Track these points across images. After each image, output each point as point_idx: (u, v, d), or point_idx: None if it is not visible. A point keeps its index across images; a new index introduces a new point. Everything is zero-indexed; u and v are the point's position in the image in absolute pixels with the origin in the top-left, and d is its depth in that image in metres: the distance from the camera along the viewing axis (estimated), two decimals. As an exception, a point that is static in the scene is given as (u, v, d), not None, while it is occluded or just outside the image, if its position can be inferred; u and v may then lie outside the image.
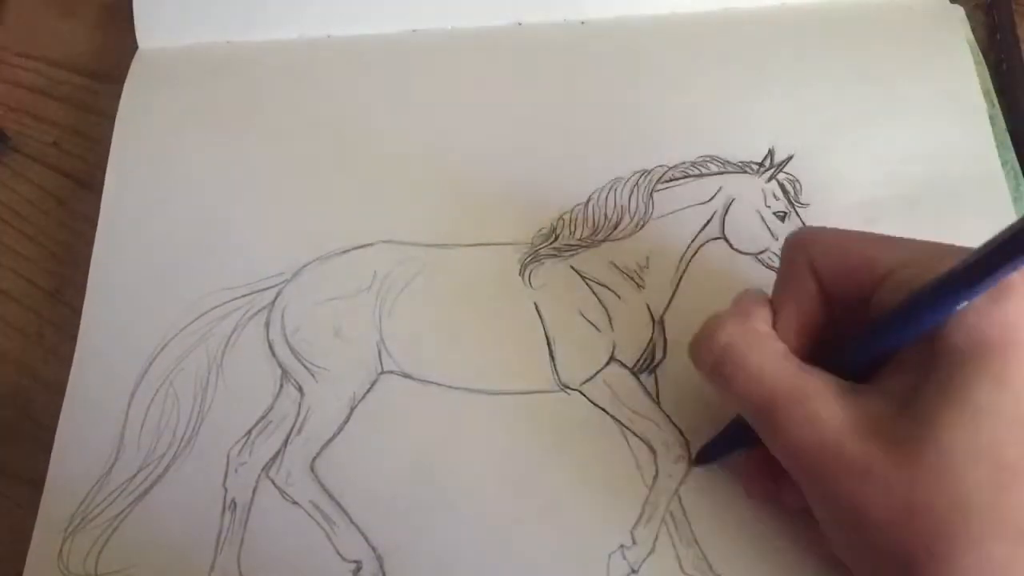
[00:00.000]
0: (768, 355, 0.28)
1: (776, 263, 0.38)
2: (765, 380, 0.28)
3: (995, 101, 0.42)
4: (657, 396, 0.36)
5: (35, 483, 0.36)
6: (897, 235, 0.29)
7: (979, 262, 0.24)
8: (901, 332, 0.26)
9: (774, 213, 0.39)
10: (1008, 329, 0.24)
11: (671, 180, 0.40)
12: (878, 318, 0.27)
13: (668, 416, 0.35)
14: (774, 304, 0.31)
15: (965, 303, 0.24)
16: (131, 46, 0.46)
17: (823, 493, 0.27)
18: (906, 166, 0.40)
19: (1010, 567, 0.24)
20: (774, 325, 0.30)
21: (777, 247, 0.38)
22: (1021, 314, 0.25)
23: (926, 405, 0.25)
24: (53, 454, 0.36)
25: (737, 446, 0.33)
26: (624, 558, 0.33)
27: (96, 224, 0.41)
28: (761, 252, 0.38)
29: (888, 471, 0.25)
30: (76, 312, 0.39)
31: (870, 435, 0.26)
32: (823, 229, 0.31)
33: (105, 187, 0.42)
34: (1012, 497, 0.24)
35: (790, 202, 0.39)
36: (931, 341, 0.25)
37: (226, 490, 0.35)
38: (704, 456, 0.34)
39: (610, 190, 0.39)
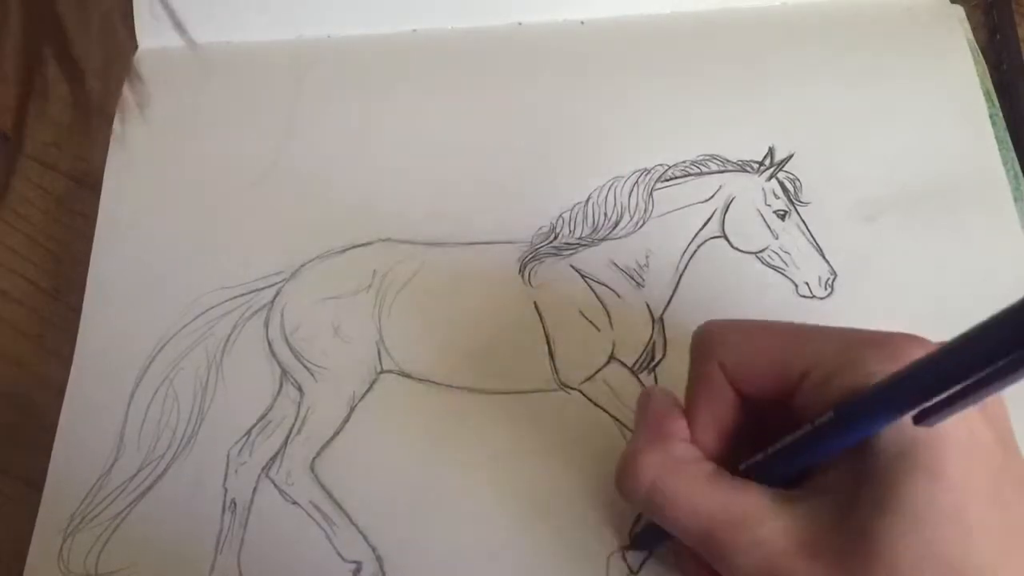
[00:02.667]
0: (697, 482, 0.27)
1: (776, 262, 0.38)
2: (699, 510, 0.26)
3: (995, 101, 0.42)
4: (657, 395, 0.36)
5: (35, 483, 0.36)
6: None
7: (913, 382, 0.22)
8: (828, 447, 0.25)
9: (774, 212, 0.39)
10: (939, 427, 0.23)
11: (671, 179, 0.40)
12: (801, 433, 0.26)
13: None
14: (688, 409, 0.29)
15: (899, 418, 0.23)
16: (131, 46, 0.46)
17: None
18: (906, 165, 0.40)
19: None
20: (691, 434, 0.29)
21: (777, 246, 0.38)
22: None
23: (864, 513, 0.24)
24: (53, 454, 0.36)
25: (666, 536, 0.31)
26: (623, 559, 0.33)
27: (96, 224, 0.41)
28: (761, 251, 0.38)
29: None
30: (76, 312, 0.39)
31: (815, 554, 0.25)
32: (728, 326, 0.29)
33: (104, 187, 0.42)
34: None
35: (790, 201, 0.39)
36: (854, 454, 0.25)
37: (226, 490, 0.35)
38: (640, 543, 0.33)
39: (610, 189, 0.39)
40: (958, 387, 0.21)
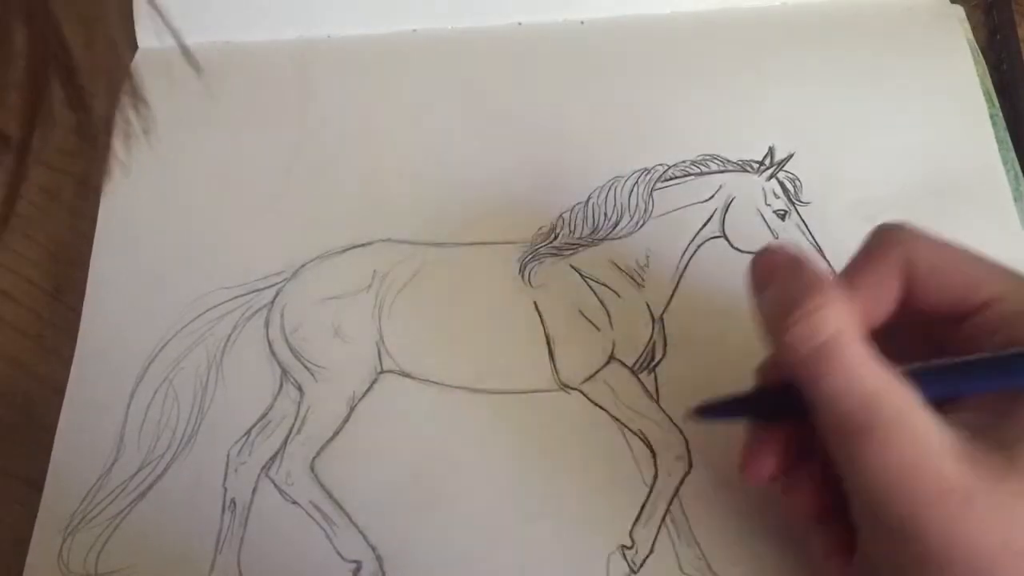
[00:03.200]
0: (870, 355, 0.25)
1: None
2: (867, 382, 0.25)
3: (995, 101, 0.42)
4: (657, 395, 0.36)
5: (35, 483, 0.36)
6: None
7: None
8: (1005, 380, 0.25)
9: (774, 212, 0.39)
10: None
11: (671, 179, 0.40)
12: (979, 358, 0.25)
13: (668, 415, 0.35)
14: (847, 285, 0.28)
15: None
16: (131, 46, 0.46)
17: (903, 518, 0.25)
18: (906, 165, 0.40)
19: None
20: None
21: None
22: None
23: (1015, 434, 0.24)
24: (53, 454, 0.36)
25: (754, 415, 0.31)
26: (624, 558, 0.33)
27: (96, 224, 0.41)
28: (761, 251, 0.38)
29: (989, 505, 0.24)
30: (76, 312, 0.39)
31: (969, 463, 0.24)
32: (925, 232, 0.28)
33: (105, 187, 0.42)
34: None
35: (790, 200, 0.39)
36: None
37: (226, 490, 0.35)
38: (708, 411, 0.31)
39: (610, 189, 0.40)
40: None
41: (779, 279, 0.28)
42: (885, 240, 0.29)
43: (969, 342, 0.26)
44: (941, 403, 0.26)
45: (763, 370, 0.31)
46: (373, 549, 0.34)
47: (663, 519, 0.34)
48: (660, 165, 0.40)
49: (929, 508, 0.24)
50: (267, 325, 0.38)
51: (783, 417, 0.29)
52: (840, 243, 0.38)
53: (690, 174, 0.40)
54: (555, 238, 0.39)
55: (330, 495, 0.35)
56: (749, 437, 0.31)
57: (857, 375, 0.25)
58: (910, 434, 0.24)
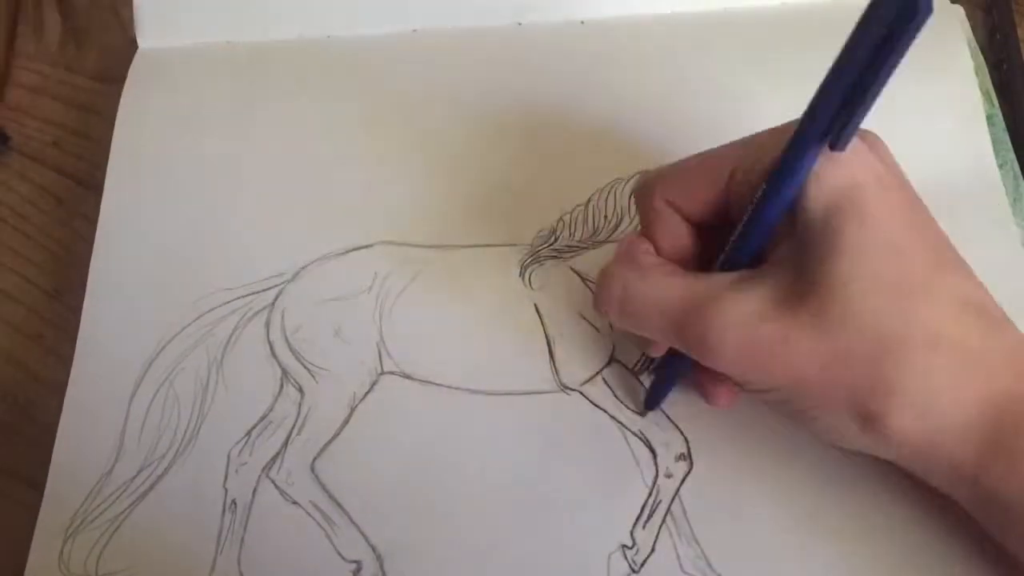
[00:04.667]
0: (663, 279, 0.30)
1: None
2: (668, 302, 0.29)
3: (995, 101, 0.42)
4: (657, 396, 0.36)
5: (35, 483, 0.36)
6: None
7: (821, 108, 0.26)
8: (772, 213, 0.28)
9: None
10: (853, 176, 0.27)
11: (671, 180, 0.40)
12: (750, 210, 0.28)
13: (668, 416, 0.35)
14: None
15: (814, 158, 0.27)
16: (131, 46, 0.46)
17: (757, 378, 0.28)
18: (905, 165, 0.40)
19: (931, 375, 0.26)
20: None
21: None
22: (856, 160, 0.28)
23: (813, 268, 0.27)
24: (54, 454, 0.36)
25: (675, 377, 0.34)
26: (624, 558, 0.33)
27: (96, 224, 0.41)
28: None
29: (804, 333, 0.27)
30: (76, 312, 0.39)
31: (778, 312, 0.27)
32: (663, 167, 0.32)
33: (105, 187, 0.42)
34: (911, 311, 0.26)
35: (790, 202, 0.39)
36: (794, 225, 0.28)
37: (226, 490, 0.35)
38: (651, 403, 0.35)
39: (610, 191, 0.39)
40: (858, 96, 0.25)
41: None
42: (641, 194, 0.32)
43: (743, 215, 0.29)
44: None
45: None
46: (373, 549, 0.34)
47: (664, 519, 0.34)
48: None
49: (764, 364, 0.28)
50: (268, 326, 0.38)
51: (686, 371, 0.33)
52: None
53: (690, 176, 0.40)
54: (555, 240, 0.39)
55: (330, 495, 0.35)
56: (696, 379, 0.34)
57: (659, 305, 0.29)
58: (720, 316, 0.28)
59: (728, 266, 0.29)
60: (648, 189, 0.31)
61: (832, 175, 0.27)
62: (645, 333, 0.31)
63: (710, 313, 0.28)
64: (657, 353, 0.34)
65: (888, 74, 0.25)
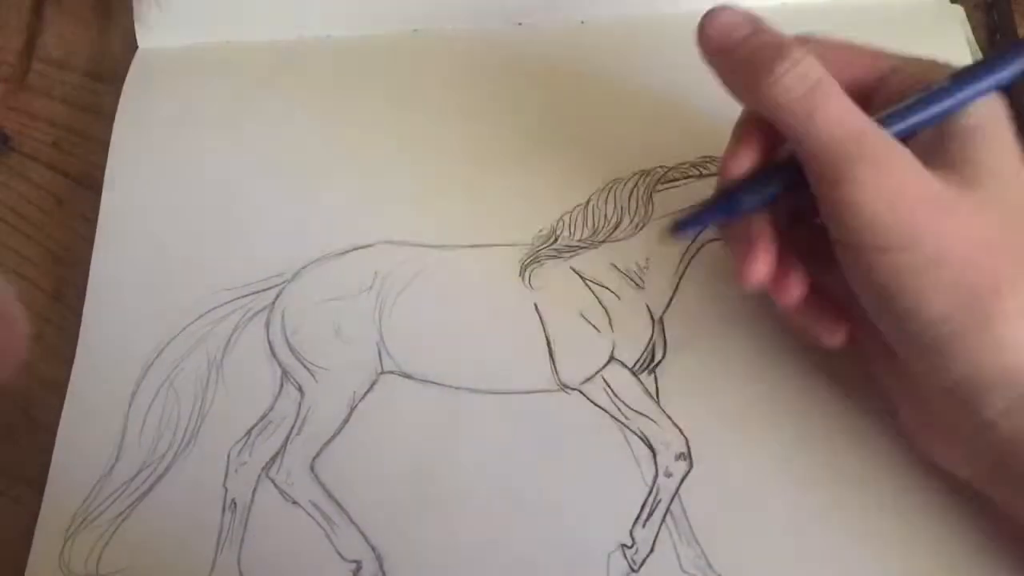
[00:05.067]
0: (852, 103, 0.29)
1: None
2: (852, 119, 0.28)
3: (995, 101, 0.41)
4: (657, 395, 0.36)
5: (35, 483, 0.36)
6: None
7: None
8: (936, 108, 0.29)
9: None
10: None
11: (671, 181, 0.40)
12: (935, 88, 0.29)
13: (668, 416, 0.35)
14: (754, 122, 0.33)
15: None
16: (131, 46, 0.46)
17: (898, 231, 0.28)
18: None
19: None
20: None
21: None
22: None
23: (971, 163, 0.28)
24: (54, 454, 0.36)
25: (726, 213, 0.32)
26: (624, 557, 0.33)
27: (96, 224, 0.41)
28: (761, 252, 0.38)
29: (970, 208, 0.28)
30: (76, 312, 0.39)
31: (943, 180, 0.28)
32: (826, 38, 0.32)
33: (105, 187, 0.42)
34: None
35: (790, 202, 0.39)
36: (939, 132, 0.29)
37: (226, 490, 0.35)
38: (683, 225, 0.33)
39: (610, 191, 0.40)
40: None
41: (745, 38, 0.31)
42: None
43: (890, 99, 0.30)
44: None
45: (737, 138, 0.34)
46: (373, 549, 0.34)
47: (663, 518, 0.34)
48: (660, 167, 0.40)
49: (923, 216, 0.28)
50: (268, 326, 0.38)
51: (758, 204, 0.31)
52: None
53: (690, 176, 0.40)
54: (555, 240, 0.39)
55: (330, 495, 0.35)
56: (736, 248, 0.32)
57: (846, 112, 0.28)
58: (898, 160, 0.28)
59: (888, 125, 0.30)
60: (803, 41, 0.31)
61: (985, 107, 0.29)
62: (809, 128, 0.29)
63: (886, 145, 0.28)
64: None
65: None
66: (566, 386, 0.36)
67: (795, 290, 0.32)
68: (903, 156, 0.28)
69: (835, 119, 0.28)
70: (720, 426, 0.35)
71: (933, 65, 0.31)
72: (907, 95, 0.30)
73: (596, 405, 0.36)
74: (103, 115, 0.44)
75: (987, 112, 0.29)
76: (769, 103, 0.29)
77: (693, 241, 0.38)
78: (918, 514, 0.33)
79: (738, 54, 0.31)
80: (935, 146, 0.29)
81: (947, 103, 0.29)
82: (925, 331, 0.28)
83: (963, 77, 0.29)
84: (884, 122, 0.29)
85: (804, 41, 0.31)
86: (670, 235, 0.33)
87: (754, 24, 0.31)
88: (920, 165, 0.28)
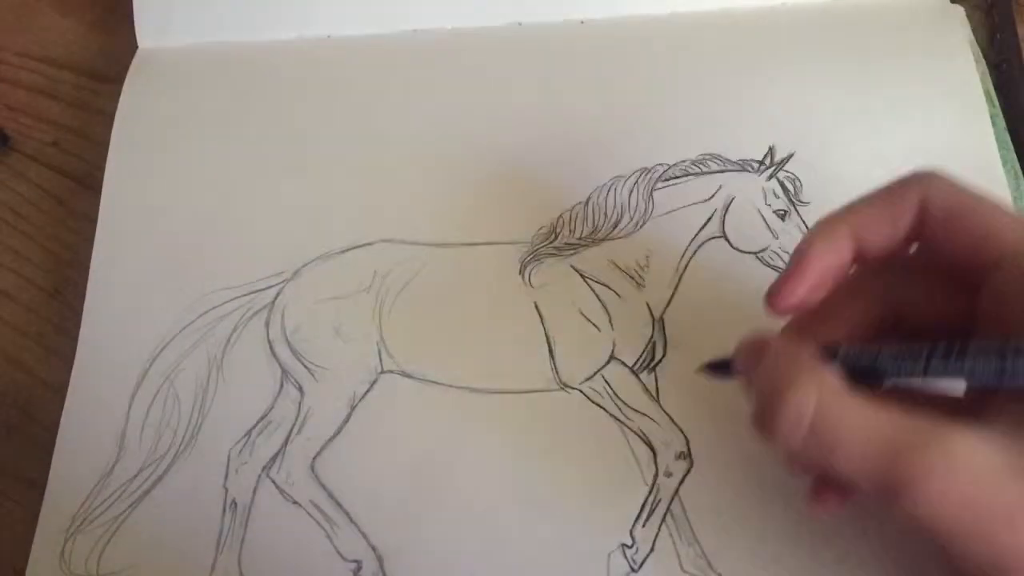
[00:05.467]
0: (866, 407, 0.24)
1: (777, 262, 0.38)
2: (878, 435, 0.23)
3: (995, 101, 0.42)
4: (657, 395, 0.36)
5: (36, 483, 0.36)
6: None
7: None
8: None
9: (774, 211, 0.39)
10: None
11: (671, 178, 0.40)
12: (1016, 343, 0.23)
13: (668, 415, 0.35)
14: (853, 212, 0.27)
15: None
16: (131, 46, 0.46)
17: (977, 549, 0.23)
18: (906, 165, 0.39)
19: None
20: (865, 236, 0.27)
21: (777, 246, 0.38)
22: None
23: None
24: (54, 454, 0.36)
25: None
26: (624, 557, 0.33)
27: (96, 224, 0.41)
28: (761, 251, 0.38)
29: None
30: (76, 312, 0.39)
31: (1019, 475, 0.22)
32: (951, 177, 0.27)
33: (104, 187, 0.42)
34: None
35: (790, 200, 0.39)
36: None
37: (227, 490, 0.35)
38: (718, 366, 0.32)
39: (610, 189, 0.40)
40: None
41: (756, 377, 0.27)
42: (909, 179, 0.28)
43: (996, 300, 0.24)
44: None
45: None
46: (373, 549, 0.34)
47: (664, 518, 0.34)
48: (660, 165, 0.40)
49: (991, 534, 0.23)
50: (267, 325, 0.38)
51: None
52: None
53: (690, 174, 0.40)
54: (555, 238, 0.39)
55: (330, 495, 0.35)
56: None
57: (864, 433, 0.24)
58: (955, 469, 0.23)
59: (927, 366, 0.25)
60: (916, 181, 0.27)
61: None
62: (834, 464, 0.24)
63: (935, 453, 0.22)
64: (800, 472, 0.30)
65: None
66: (566, 385, 0.36)
67: (833, 505, 0.29)
68: (962, 464, 0.22)
69: (856, 453, 0.24)
70: (720, 426, 0.35)
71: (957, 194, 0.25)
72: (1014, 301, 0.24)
73: (596, 404, 0.36)
74: (103, 115, 0.44)
75: None
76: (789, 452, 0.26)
77: (694, 239, 0.38)
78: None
79: (754, 397, 0.27)
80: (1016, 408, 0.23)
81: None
82: None
83: None
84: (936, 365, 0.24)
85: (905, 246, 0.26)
86: (706, 371, 0.32)
87: (761, 352, 0.27)
88: (991, 465, 0.22)
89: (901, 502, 0.23)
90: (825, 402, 0.24)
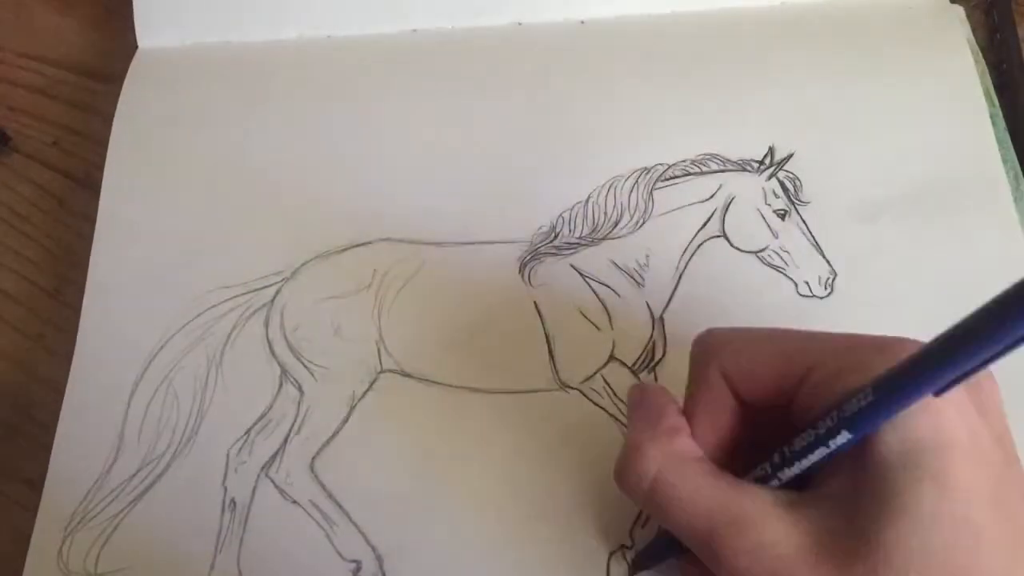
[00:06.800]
0: (701, 479, 0.27)
1: (776, 261, 0.38)
2: (702, 508, 0.26)
3: (995, 101, 0.42)
4: (657, 395, 0.36)
5: (35, 482, 0.36)
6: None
7: (929, 362, 0.22)
8: (841, 443, 0.24)
9: (774, 211, 0.39)
10: (941, 428, 0.23)
11: (671, 178, 0.40)
12: (808, 428, 0.25)
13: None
14: (688, 414, 0.29)
15: (910, 405, 0.23)
16: (131, 46, 0.46)
17: None
18: (906, 165, 0.40)
19: None
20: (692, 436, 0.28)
21: (777, 245, 0.38)
22: (950, 409, 0.24)
23: (870, 519, 0.24)
24: (53, 453, 0.36)
25: (673, 554, 0.31)
26: (624, 559, 0.33)
27: (96, 224, 0.41)
28: (761, 250, 0.38)
29: None
30: (76, 312, 0.39)
31: (820, 558, 0.24)
32: (729, 332, 0.29)
33: (104, 187, 0.42)
34: None
35: (790, 200, 0.39)
36: (862, 445, 0.24)
37: (226, 489, 0.35)
38: (640, 564, 0.33)
39: (610, 188, 0.40)
40: (979, 360, 0.21)
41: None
42: (699, 354, 0.29)
43: (803, 422, 0.26)
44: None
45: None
46: (373, 549, 0.34)
47: (663, 519, 0.34)
48: (660, 164, 0.40)
49: None
50: (267, 325, 0.38)
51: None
52: (840, 243, 0.38)
53: (690, 173, 0.40)
54: (555, 237, 0.39)
55: (330, 495, 0.35)
56: (682, 568, 0.31)
57: (690, 507, 0.26)
58: (754, 548, 0.25)
59: (767, 480, 0.27)
60: (708, 354, 0.29)
61: (919, 423, 0.23)
62: (665, 525, 0.28)
63: (746, 536, 0.25)
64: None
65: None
66: (566, 385, 0.36)
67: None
68: (765, 544, 0.25)
69: (681, 521, 0.26)
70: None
71: (864, 356, 0.25)
72: (824, 404, 0.25)
73: (596, 404, 0.36)
74: (103, 115, 0.44)
75: (920, 429, 0.23)
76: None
77: (693, 238, 0.38)
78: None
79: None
80: (852, 487, 0.25)
81: (845, 444, 0.24)
82: None
83: (892, 387, 0.23)
84: (760, 475, 0.27)
85: (708, 360, 0.28)
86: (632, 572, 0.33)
87: (640, 394, 0.30)
88: (789, 546, 0.24)
89: (714, 569, 0.26)
90: (666, 468, 0.27)
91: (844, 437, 0.24)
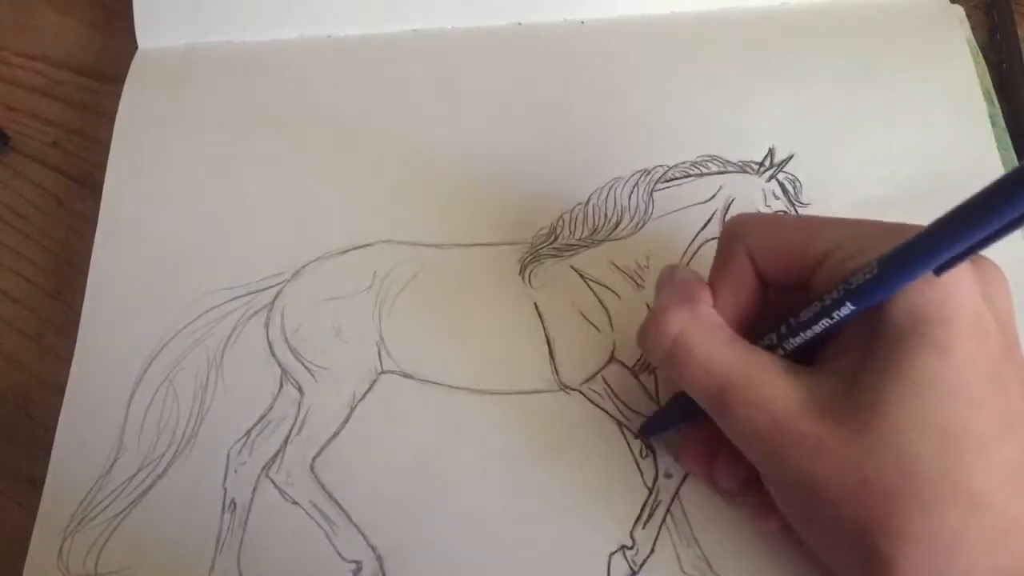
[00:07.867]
0: (718, 342, 0.29)
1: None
2: (716, 366, 0.28)
3: (995, 101, 0.42)
4: (657, 396, 0.36)
5: (35, 483, 0.36)
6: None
7: (930, 239, 0.24)
8: (847, 313, 0.26)
9: (775, 212, 0.39)
10: (947, 304, 0.25)
11: (671, 179, 0.40)
12: (815, 301, 0.27)
13: (668, 415, 0.35)
14: (712, 285, 0.31)
15: (911, 281, 0.25)
16: (131, 46, 0.46)
17: (778, 472, 0.28)
18: (906, 165, 0.40)
19: (961, 535, 0.24)
20: (714, 308, 0.30)
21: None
22: (958, 289, 0.25)
23: (871, 380, 0.26)
24: (53, 454, 0.36)
25: (680, 420, 0.33)
26: (624, 558, 0.33)
27: (96, 224, 0.41)
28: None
29: (839, 447, 0.26)
30: (76, 312, 0.39)
31: (820, 413, 0.26)
32: (758, 215, 0.32)
33: (105, 187, 0.42)
34: (960, 466, 0.25)
35: (790, 201, 0.39)
36: (871, 319, 0.26)
37: (226, 490, 0.35)
38: (648, 429, 0.35)
39: (610, 190, 0.40)
40: (975, 240, 0.23)
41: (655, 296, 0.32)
42: (727, 234, 0.31)
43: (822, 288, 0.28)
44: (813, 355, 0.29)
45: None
46: (373, 549, 0.34)
47: (664, 519, 0.34)
48: (660, 166, 0.40)
49: (788, 462, 0.27)
50: (267, 325, 0.38)
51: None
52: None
53: (690, 175, 0.40)
54: (555, 239, 0.39)
55: (330, 495, 0.35)
56: (682, 437, 0.34)
57: (706, 365, 0.28)
58: (761, 401, 0.27)
59: (777, 348, 0.29)
60: (734, 236, 0.30)
61: (925, 293, 0.25)
62: (680, 384, 0.30)
63: (755, 390, 0.27)
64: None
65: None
66: (566, 386, 0.36)
67: (727, 482, 0.32)
68: (769, 399, 0.27)
69: (697, 377, 0.29)
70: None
71: (878, 241, 0.26)
72: (838, 283, 0.27)
73: (596, 405, 0.36)
74: (103, 115, 0.44)
75: (928, 304, 0.25)
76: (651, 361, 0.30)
77: (693, 240, 0.38)
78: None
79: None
80: (859, 355, 0.27)
81: (851, 313, 0.26)
82: (833, 564, 0.28)
83: (895, 263, 0.25)
84: (770, 343, 0.29)
85: (735, 242, 0.30)
86: (641, 436, 0.35)
87: (670, 272, 0.32)
88: (793, 401, 0.27)
89: (722, 424, 0.28)
90: (687, 331, 0.29)
91: (847, 308, 0.26)
